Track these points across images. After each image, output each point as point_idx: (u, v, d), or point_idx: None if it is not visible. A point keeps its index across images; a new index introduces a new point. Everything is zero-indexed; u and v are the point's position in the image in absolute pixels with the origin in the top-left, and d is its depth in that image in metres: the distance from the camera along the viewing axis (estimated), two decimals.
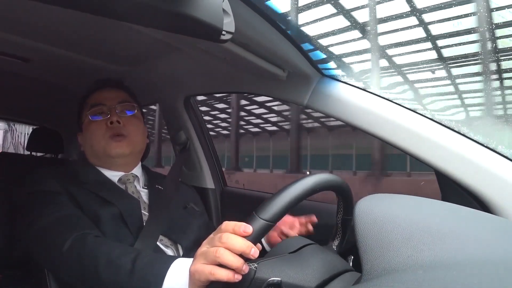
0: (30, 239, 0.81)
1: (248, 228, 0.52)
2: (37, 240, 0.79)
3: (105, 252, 0.69)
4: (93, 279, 0.67)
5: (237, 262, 0.52)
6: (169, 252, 0.88)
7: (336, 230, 0.72)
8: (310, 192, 0.57)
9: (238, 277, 0.53)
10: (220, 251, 0.52)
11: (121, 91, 1.03)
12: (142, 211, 0.92)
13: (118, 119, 0.95)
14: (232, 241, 0.52)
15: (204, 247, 0.57)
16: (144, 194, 0.99)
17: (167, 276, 0.61)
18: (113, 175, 0.97)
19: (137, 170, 1.02)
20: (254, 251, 0.52)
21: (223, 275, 0.52)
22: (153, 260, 0.65)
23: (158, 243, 0.86)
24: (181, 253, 0.90)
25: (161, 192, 0.99)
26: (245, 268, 0.53)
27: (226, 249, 0.52)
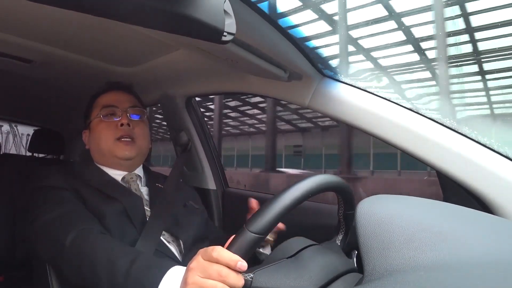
0: (33, 234, 0.82)
1: (243, 266, 0.52)
2: (40, 235, 0.81)
3: (105, 249, 0.69)
4: (90, 275, 0.68)
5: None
6: (171, 247, 0.90)
7: (339, 224, 0.72)
8: (303, 198, 0.55)
9: None
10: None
11: (131, 95, 1.06)
12: (145, 207, 0.94)
13: (129, 122, 0.98)
14: (230, 280, 0.52)
15: (199, 263, 0.55)
16: (145, 191, 1.01)
17: (162, 282, 0.61)
18: (117, 174, 1.00)
19: (139, 170, 1.05)
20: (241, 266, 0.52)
21: None
22: (150, 264, 0.65)
23: (161, 237, 0.88)
24: (182, 248, 0.91)
25: (161, 190, 1.02)
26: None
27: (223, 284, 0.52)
